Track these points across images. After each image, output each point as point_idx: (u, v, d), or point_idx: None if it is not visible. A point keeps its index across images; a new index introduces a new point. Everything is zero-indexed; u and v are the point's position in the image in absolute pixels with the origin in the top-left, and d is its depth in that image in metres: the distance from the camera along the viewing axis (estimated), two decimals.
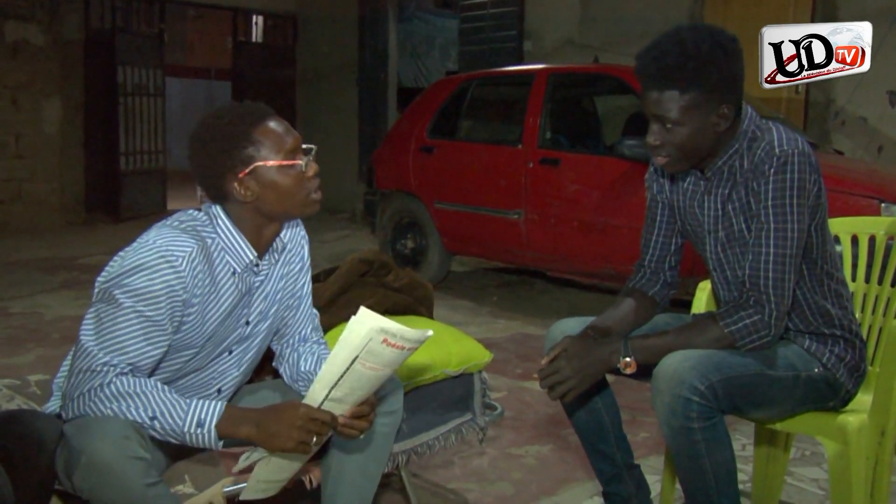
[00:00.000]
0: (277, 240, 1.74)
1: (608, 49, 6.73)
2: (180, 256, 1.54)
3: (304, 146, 1.65)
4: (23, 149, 8.51)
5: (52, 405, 1.70)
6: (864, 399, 1.95)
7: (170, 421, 1.47)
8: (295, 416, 1.49)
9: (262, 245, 1.69)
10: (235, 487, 1.69)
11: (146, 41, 9.32)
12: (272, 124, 1.62)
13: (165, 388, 1.51)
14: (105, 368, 1.48)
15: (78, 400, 1.49)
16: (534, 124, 5.14)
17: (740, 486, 1.85)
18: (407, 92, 9.69)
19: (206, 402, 1.50)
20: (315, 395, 1.51)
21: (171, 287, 1.53)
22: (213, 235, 1.63)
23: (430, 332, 1.45)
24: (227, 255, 1.64)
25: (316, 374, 1.74)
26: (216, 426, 1.48)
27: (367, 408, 1.57)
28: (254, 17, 11.29)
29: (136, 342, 1.51)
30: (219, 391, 1.75)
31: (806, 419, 1.91)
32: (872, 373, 2.00)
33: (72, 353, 1.68)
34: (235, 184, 1.60)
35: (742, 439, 2.88)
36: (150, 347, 1.53)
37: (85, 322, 1.54)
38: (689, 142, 1.81)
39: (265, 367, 1.97)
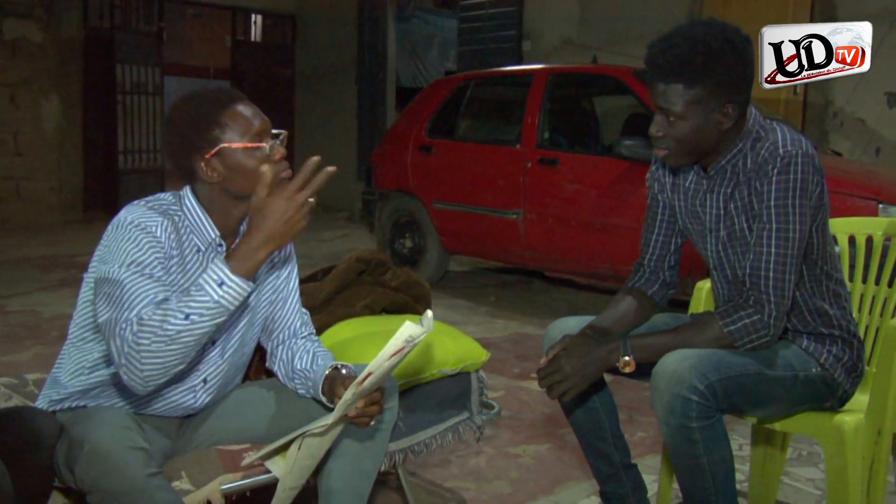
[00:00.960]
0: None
1: (607, 49, 6.74)
2: (152, 225, 1.60)
3: (273, 131, 1.68)
4: (21, 146, 8.50)
5: (42, 401, 1.70)
6: (861, 399, 1.95)
7: (199, 307, 1.46)
8: (280, 198, 1.50)
9: (231, 225, 1.72)
10: (233, 485, 1.69)
11: (145, 39, 9.32)
12: (240, 108, 1.66)
13: (171, 296, 1.53)
14: (128, 323, 1.48)
15: (128, 360, 1.46)
16: (532, 124, 5.15)
17: (737, 486, 1.85)
18: (406, 91, 9.71)
19: (208, 269, 1.49)
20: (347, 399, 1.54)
21: (153, 246, 1.58)
22: (180, 213, 1.68)
23: (430, 313, 1.49)
24: (192, 233, 1.68)
25: (312, 371, 1.74)
26: (233, 272, 1.48)
27: (379, 394, 1.60)
28: (253, 16, 11.30)
29: (145, 291, 1.52)
30: (204, 381, 1.75)
31: (803, 419, 1.91)
32: (869, 373, 2.00)
33: (65, 348, 1.72)
34: (202, 164, 1.64)
35: (739, 439, 2.88)
36: (159, 287, 1.54)
37: (98, 308, 1.55)
38: (691, 137, 1.82)
39: (259, 367, 1.97)
